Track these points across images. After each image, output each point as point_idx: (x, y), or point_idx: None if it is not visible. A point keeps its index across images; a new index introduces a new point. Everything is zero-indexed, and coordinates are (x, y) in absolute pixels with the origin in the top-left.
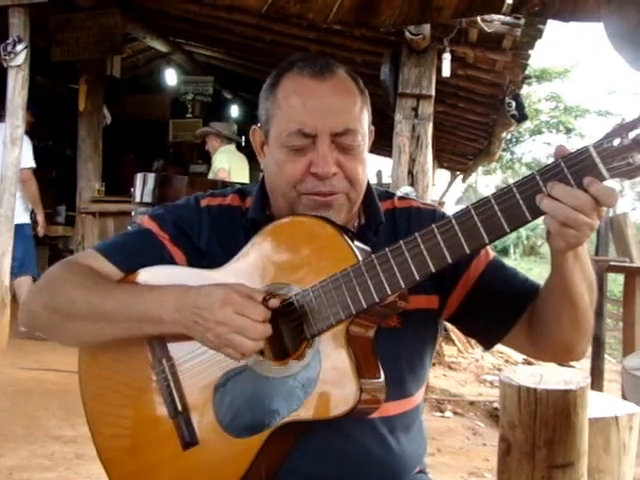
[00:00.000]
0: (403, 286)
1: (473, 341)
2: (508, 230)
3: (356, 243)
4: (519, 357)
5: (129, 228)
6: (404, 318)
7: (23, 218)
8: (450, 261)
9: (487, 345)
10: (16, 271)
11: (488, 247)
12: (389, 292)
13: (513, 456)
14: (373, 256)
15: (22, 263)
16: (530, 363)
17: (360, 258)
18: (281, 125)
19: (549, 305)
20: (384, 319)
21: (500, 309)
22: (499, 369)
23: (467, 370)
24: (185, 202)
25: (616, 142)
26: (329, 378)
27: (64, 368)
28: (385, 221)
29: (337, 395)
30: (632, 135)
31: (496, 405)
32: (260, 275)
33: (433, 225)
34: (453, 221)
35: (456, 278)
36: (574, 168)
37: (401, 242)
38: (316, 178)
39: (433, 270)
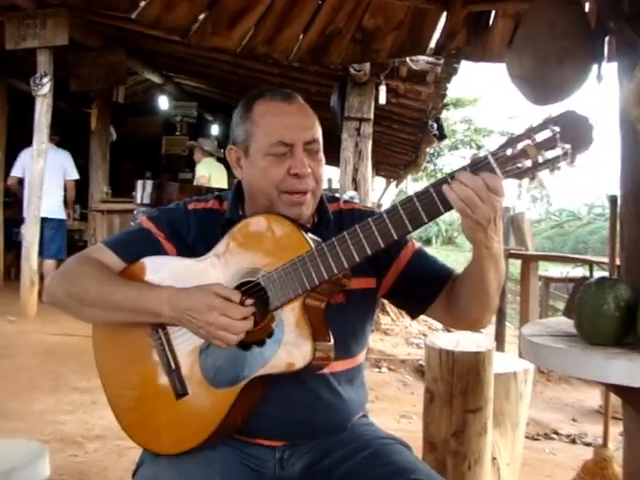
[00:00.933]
0: (346, 266)
1: (404, 312)
2: (426, 220)
3: (309, 235)
4: (440, 325)
5: (132, 224)
6: (349, 296)
7: (64, 215)
8: (382, 246)
9: (413, 315)
10: (52, 254)
11: (414, 240)
12: (335, 271)
13: (435, 404)
14: (323, 244)
15: (60, 248)
16: (448, 330)
17: (313, 246)
18: (262, 139)
19: (465, 287)
20: (332, 294)
21: (423, 288)
22: (424, 334)
23: (399, 335)
24: (176, 206)
25: (509, 151)
26: (290, 340)
27: (81, 333)
28: (333, 220)
29: (297, 353)
30: (520, 146)
31: (422, 362)
32: (235, 261)
33: (369, 219)
34: (384, 215)
35: (389, 264)
36: (476, 171)
37: (345, 233)
38: (295, 178)
39: (369, 253)
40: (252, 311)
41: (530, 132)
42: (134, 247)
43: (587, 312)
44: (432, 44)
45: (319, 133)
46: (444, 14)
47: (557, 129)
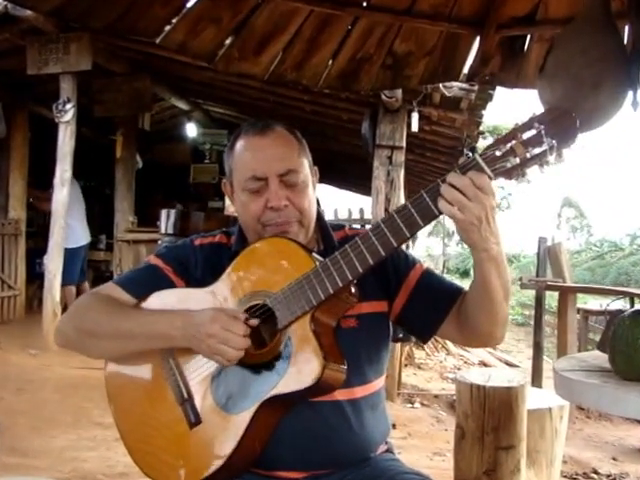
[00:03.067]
0: (350, 278)
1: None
2: (422, 225)
3: (314, 254)
4: (475, 359)
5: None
6: (360, 320)
7: (77, 243)
8: (384, 254)
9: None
10: (81, 278)
11: (422, 261)
12: (340, 284)
13: (467, 440)
14: (327, 260)
15: (84, 272)
16: (485, 364)
17: (317, 263)
18: (239, 175)
19: (472, 299)
20: (340, 312)
21: (433, 308)
22: (459, 368)
23: (433, 369)
24: (182, 243)
25: (497, 152)
26: (299, 358)
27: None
28: (339, 246)
29: (306, 369)
30: (508, 145)
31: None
32: (242, 286)
33: (368, 230)
34: (382, 225)
35: (399, 286)
36: (467, 172)
37: (347, 246)
38: (272, 211)
39: (372, 263)
40: (254, 324)
41: (516, 131)
42: (143, 283)
43: (621, 346)
44: (465, 70)
45: (298, 163)
46: (477, 39)
47: (542, 126)
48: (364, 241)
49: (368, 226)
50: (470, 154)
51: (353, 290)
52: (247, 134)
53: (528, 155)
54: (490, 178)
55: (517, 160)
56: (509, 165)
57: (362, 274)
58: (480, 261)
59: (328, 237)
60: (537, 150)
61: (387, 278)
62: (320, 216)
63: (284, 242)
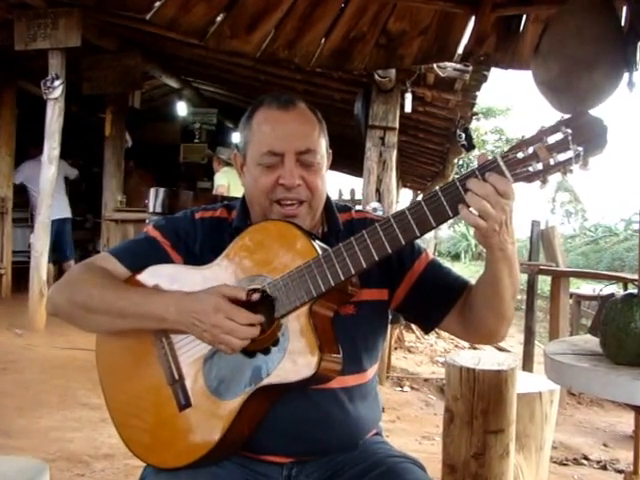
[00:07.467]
0: (353, 272)
1: (416, 326)
2: (434, 225)
3: (317, 242)
4: (466, 343)
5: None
6: (359, 307)
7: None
8: (390, 251)
9: (427, 329)
10: (68, 254)
11: (429, 250)
12: (342, 277)
13: (455, 424)
14: (330, 250)
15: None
16: (475, 348)
17: (320, 252)
18: (255, 148)
19: (480, 295)
20: (340, 303)
21: (436, 301)
22: (449, 352)
23: (423, 353)
24: (182, 215)
25: (519, 154)
26: (295, 349)
27: (91, 347)
28: (344, 229)
29: (302, 362)
30: (531, 149)
31: None
32: (241, 269)
33: (376, 224)
34: (392, 220)
35: (402, 275)
36: (485, 175)
37: (352, 238)
38: (284, 188)
39: (377, 259)
40: (260, 319)
41: (541, 134)
42: (140, 256)
43: (613, 330)
44: (460, 50)
45: (317, 143)
46: (473, 18)
47: (569, 131)
48: (371, 235)
49: (363, 207)
50: (463, 134)
51: (354, 281)
52: (269, 106)
53: (552, 162)
54: (509, 182)
55: (540, 166)
56: (531, 170)
57: (366, 269)
58: (494, 260)
59: (333, 219)
60: (562, 157)
61: (390, 266)
62: (327, 197)
63: (287, 227)
